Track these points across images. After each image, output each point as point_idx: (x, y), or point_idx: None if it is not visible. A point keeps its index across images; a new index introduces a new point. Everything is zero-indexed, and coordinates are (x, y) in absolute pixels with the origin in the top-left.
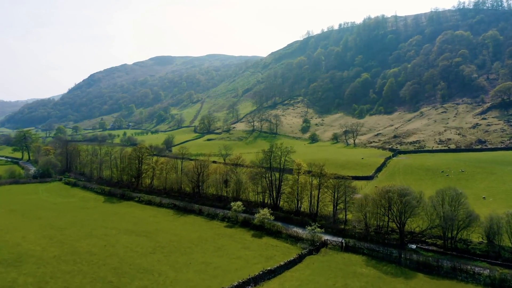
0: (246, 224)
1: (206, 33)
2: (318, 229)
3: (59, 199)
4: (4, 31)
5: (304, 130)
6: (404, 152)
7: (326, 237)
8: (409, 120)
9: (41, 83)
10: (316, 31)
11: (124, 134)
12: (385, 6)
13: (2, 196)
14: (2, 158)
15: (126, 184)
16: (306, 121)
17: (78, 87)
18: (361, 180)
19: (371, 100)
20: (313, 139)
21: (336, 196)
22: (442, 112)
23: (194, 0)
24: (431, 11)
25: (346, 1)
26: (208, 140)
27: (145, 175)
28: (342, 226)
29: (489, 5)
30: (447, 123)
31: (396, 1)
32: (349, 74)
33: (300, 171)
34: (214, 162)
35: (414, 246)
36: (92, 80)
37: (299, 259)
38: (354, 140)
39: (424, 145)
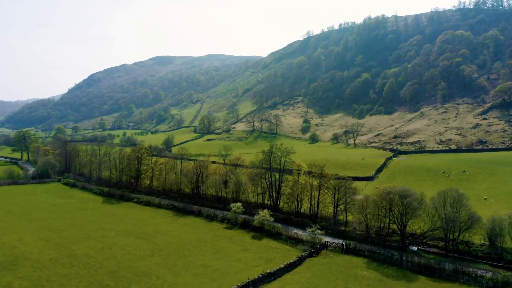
0: (245, 226)
1: (206, 33)
2: (319, 231)
3: (57, 200)
4: (4, 31)
5: (304, 130)
6: (405, 153)
7: (326, 239)
8: (409, 120)
9: (41, 83)
10: (316, 31)
11: (124, 134)
12: (385, 6)
13: (0, 197)
14: (1, 158)
15: (125, 184)
16: (306, 121)
17: (78, 87)
18: (361, 181)
19: (371, 100)
20: (313, 139)
21: (336, 197)
22: (443, 112)
23: (194, 0)
24: (431, 11)
25: (346, 1)
26: (208, 140)
27: (144, 176)
28: (343, 228)
29: (490, 5)
30: (448, 123)
31: (396, 1)
32: (349, 74)
33: (300, 172)
34: (214, 162)
35: (415, 248)
36: (92, 80)
37: (299, 261)
38: (354, 141)
39: (425, 146)
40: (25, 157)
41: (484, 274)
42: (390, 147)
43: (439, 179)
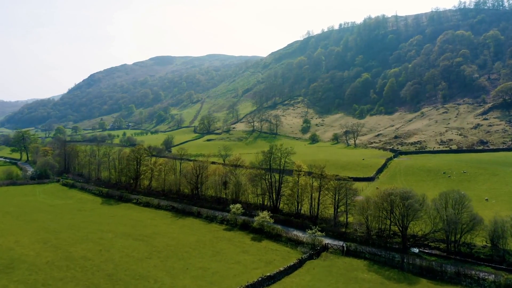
0: (245, 227)
1: (206, 33)
2: (319, 233)
3: (56, 201)
4: (4, 31)
5: (304, 130)
6: (405, 153)
7: (326, 240)
8: (410, 121)
9: (41, 83)
10: (316, 31)
11: (124, 134)
12: (386, 6)
13: None
14: (0, 158)
15: (124, 185)
16: (306, 121)
17: (78, 87)
18: (362, 181)
19: (372, 100)
20: (314, 139)
21: (337, 199)
22: (443, 113)
23: (194, 0)
24: (432, 11)
25: (346, 1)
26: (208, 140)
27: (144, 177)
28: (343, 229)
29: (490, 5)
30: (448, 123)
31: (396, 1)
32: (349, 74)
33: (300, 173)
34: (214, 163)
35: (416, 250)
36: (92, 80)
37: (299, 264)
38: (354, 141)
39: (425, 146)
40: (24, 157)
41: (486, 277)
42: (391, 147)
43: (440, 179)
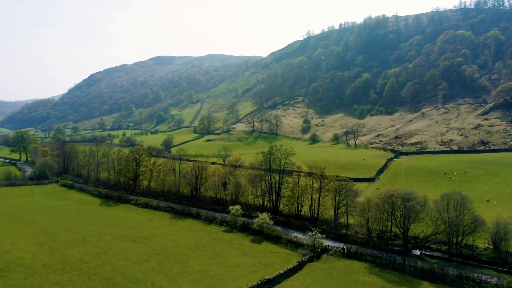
0: (245, 229)
1: (206, 33)
2: (319, 235)
3: (54, 202)
4: (4, 31)
5: (305, 130)
6: (406, 153)
7: (327, 242)
8: (410, 121)
9: (41, 83)
10: (317, 31)
11: (124, 134)
12: (386, 6)
13: None
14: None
15: (123, 186)
16: (306, 121)
17: (78, 87)
18: (362, 182)
19: (372, 100)
20: (314, 139)
21: (337, 200)
22: (444, 113)
23: (194, 0)
24: (432, 11)
25: (347, 1)
26: (208, 140)
27: (143, 177)
28: (344, 231)
29: (490, 4)
30: (449, 123)
31: (396, 1)
32: (349, 74)
33: (300, 174)
34: (213, 163)
35: (418, 252)
36: (92, 80)
37: (299, 266)
38: (355, 141)
39: (426, 146)
40: (23, 157)
41: (489, 280)
42: (391, 147)
43: (440, 180)
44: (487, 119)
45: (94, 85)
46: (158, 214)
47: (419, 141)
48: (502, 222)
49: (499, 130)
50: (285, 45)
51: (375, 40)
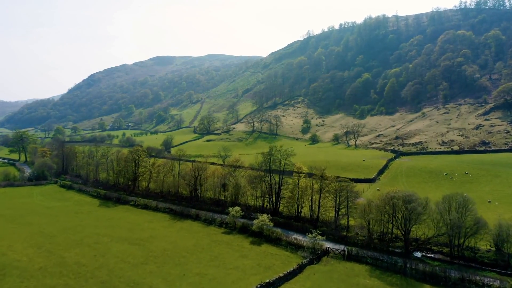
0: (244, 230)
1: (206, 33)
2: (319, 237)
3: (53, 203)
4: (4, 31)
5: (305, 131)
6: (407, 154)
7: (327, 244)
8: (411, 121)
9: (41, 83)
10: (317, 31)
11: (123, 134)
12: (386, 5)
13: None
14: None
15: (122, 187)
16: (306, 121)
17: (77, 87)
18: (362, 183)
19: (372, 101)
20: (314, 140)
21: (338, 201)
22: (445, 113)
23: (194, 0)
24: (432, 11)
25: (347, 1)
26: (208, 141)
27: (142, 178)
28: (344, 233)
29: (491, 4)
30: (450, 124)
31: (397, 0)
32: (350, 74)
33: (300, 175)
34: (213, 163)
35: (419, 255)
36: (92, 80)
37: (299, 269)
38: (355, 141)
39: (427, 147)
40: (23, 158)
41: (491, 283)
42: (392, 148)
43: (441, 181)
44: (488, 119)
45: (94, 85)
46: (157, 215)
47: (419, 142)
48: (504, 224)
49: (500, 131)
50: (285, 45)
51: (375, 40)
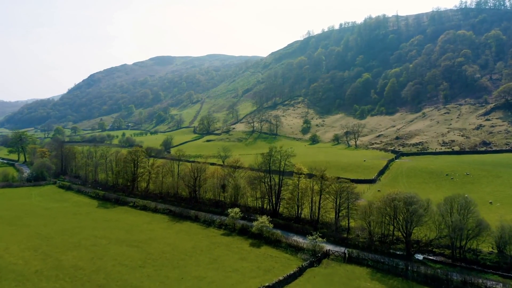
0: (244, 232)
1: (206, 33)
2: (320, 239)
3: (51, 204)
4: (4, 31)
5: (305, 131)
6: (407, 154)
7: (328, 246)
8: (411, 121)
9: (41, 83)
10: (317, 31)
11: (123, 134)
12: (386, 5)
13: None
14: None
15: (121, 188)
16: (306, 121)
17: (77, 87)
18: (363, 184)
19: (373, 101)
20: (314, 140)
21: (338, 203)
22: (445, 113)
23: (194, 0)
24: (433, 11)
25: (347, 1)
26: (208, 141)
27: (141, 179)
28: (345, 235)
29: (491, 4)
30: (450, 124)
31: (397, 0)
32: (350, 74)
33: (300, 175)
34: (213, 164)
35: (421, 257)
36: (91, 80)
37: (300, 272)
38: (355, 142)
39: (427, 147)
40: (22, 158)
41: (494, 286)
42: (392, 148)
43: (442, 181)
44: (488, 120)
45: (94, 85)
46: (156, 216)
47: (420, 142)
48: (506, 226)
49: (500, 131)
50: (285, 45)
51: (376, 40)
